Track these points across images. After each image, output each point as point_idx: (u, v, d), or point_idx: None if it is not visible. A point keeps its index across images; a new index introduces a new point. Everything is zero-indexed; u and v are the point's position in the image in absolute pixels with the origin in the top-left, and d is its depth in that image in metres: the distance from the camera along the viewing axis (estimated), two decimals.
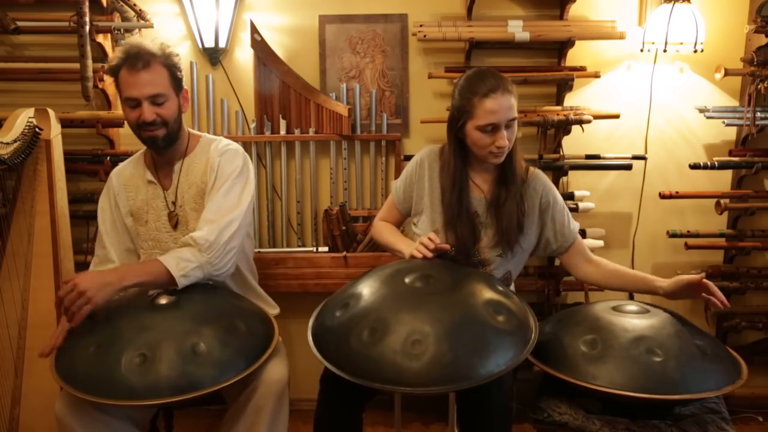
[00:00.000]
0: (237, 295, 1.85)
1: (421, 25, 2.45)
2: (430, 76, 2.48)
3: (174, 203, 1.88)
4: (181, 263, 1.68)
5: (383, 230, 2.02)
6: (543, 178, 1.91)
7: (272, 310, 2.03)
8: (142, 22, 2.48)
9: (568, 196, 2.54)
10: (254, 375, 1.61)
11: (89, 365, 1.50)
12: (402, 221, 2.07)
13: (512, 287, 1.95)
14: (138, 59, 1.75)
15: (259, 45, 2.50)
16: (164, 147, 1.85)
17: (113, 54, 1.80)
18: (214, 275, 1.75)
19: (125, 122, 2.48)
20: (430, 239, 1.74)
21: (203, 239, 1.72)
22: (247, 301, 1.83)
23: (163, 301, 1.64)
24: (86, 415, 1.54)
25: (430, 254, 1.71)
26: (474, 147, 1.79)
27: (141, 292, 1.69)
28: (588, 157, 2.53)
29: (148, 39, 1.84)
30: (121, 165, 2.00)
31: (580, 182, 2.62)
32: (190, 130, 1.97)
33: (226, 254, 1.75)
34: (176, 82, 1.83)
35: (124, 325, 1.56)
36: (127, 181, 1.95)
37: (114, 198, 1.94)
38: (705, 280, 1.66)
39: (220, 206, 1.79)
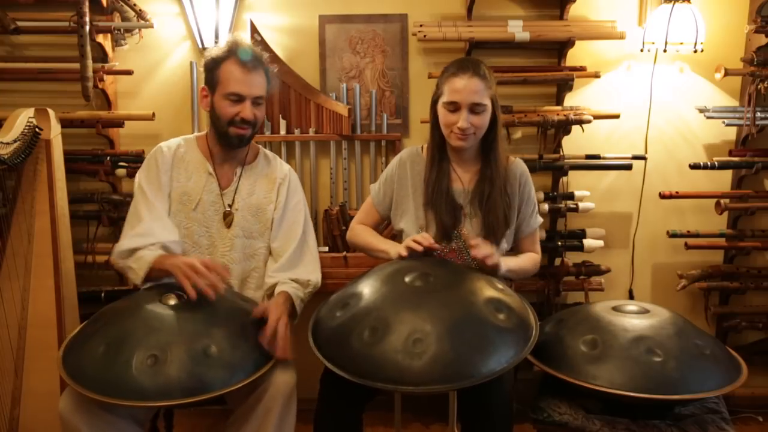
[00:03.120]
0: (244, 297, 1.85)
1: (421, 25, 2.45)
2: (430, 76, 2.48)
3: (230, 205, 1.91)
4: (299, 301, 1.86)
5: (361, 232, 2.02)
6: (522, 166, 1.96)
7: None
8: (142, 22, 2.49)
9: (568, 196, 2.54)
10: (263, 377, 1.61)
11: (99, 365, 1.49)
12: (381, 224, 2.07)
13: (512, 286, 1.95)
14: (250, 59, 1.82)
15: (259, 45, 2.49)
16: (243, 146, 1.91)
17: (216, 47, 1.86)
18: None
19: (125, 122, 2.51)
20: (422, 237, 1.74)
21: (314, 283, 1.93)
22: (254, 303, 1.83)
23: (172, 302, 1.63)
24: (91, 414, 1.53)
25: (420, 248, 1.72)
26: (441, 125, 1.85)
27: (150, 293, 1.69)
28: (588, 157, 2.53)
29: (249, 41, 1.91)
30: (171, 141, 1.95)
31: (580, 182, 2.61)
32: None
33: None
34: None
35: (134, 326, 1.55)
36: (181, 161, 1.92)
37: (161, 170, 1.88)
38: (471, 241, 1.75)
39: (310, 244, 1.99)
